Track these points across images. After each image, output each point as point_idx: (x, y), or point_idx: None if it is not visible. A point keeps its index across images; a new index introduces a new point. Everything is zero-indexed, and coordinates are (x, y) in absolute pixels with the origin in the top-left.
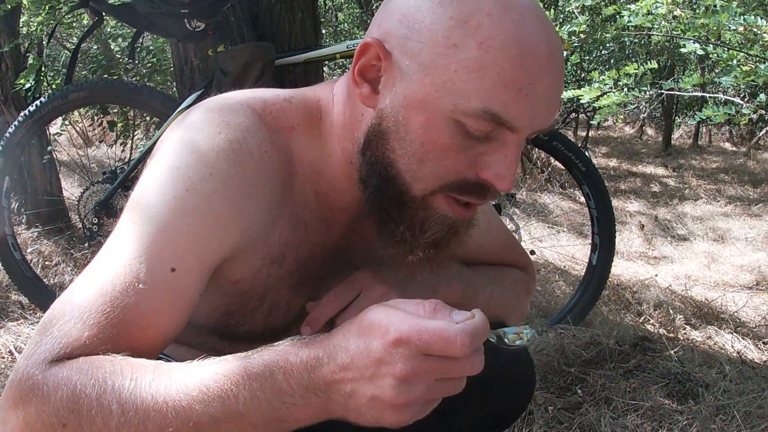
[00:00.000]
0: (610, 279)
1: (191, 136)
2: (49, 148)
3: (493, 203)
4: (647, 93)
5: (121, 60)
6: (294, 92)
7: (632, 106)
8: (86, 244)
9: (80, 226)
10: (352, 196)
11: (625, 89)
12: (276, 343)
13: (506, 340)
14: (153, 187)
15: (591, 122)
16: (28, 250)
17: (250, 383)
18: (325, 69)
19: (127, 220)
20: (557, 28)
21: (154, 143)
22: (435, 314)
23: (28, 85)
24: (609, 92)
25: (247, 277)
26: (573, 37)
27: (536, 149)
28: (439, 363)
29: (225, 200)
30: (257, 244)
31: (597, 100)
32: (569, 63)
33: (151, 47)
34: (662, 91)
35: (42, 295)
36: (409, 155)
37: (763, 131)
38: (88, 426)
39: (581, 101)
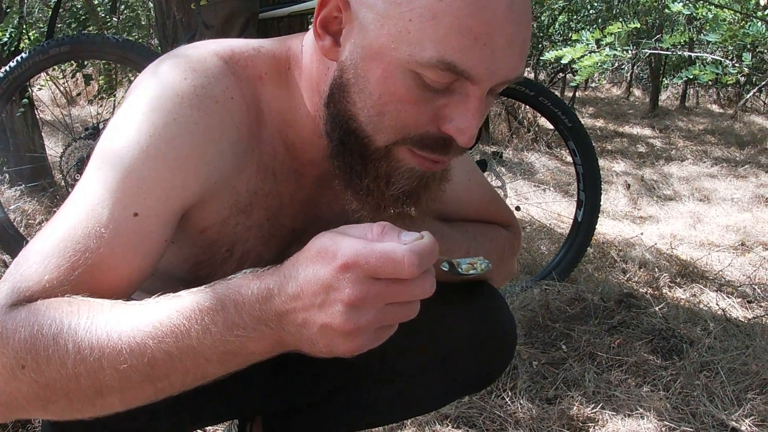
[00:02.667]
0: (595, 238)
1: (157, 82)
2: (24, 100)
3: (478, 160)
4: (629, 53)
5: (102, 15)
6: (264, 42)
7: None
8: None
9: (63, 183)
10: (319, 149)
11: (607, 49)
12: (228, 277)
13: (460, 270)
14: (117, 134)
15: (570, 84)
16: (11, 208)
17: (202, 317)
18: (310, 23)
19: (93, 167)
20: None
21: None
22: (383, 236)
23: (5, 39)
24: (591, 52)
25: (213, 226)
26: None
27: (523, 107)
28: (389, 286)
29: (188, 145)
30: (223, 191)
31: (579, 61)
32: (557, 23)
33: (131, 1)
34: (644, 50)
35: None
36: (369, 107)
37: (751, 93)
38: (46, 365)
39: (563, 62)
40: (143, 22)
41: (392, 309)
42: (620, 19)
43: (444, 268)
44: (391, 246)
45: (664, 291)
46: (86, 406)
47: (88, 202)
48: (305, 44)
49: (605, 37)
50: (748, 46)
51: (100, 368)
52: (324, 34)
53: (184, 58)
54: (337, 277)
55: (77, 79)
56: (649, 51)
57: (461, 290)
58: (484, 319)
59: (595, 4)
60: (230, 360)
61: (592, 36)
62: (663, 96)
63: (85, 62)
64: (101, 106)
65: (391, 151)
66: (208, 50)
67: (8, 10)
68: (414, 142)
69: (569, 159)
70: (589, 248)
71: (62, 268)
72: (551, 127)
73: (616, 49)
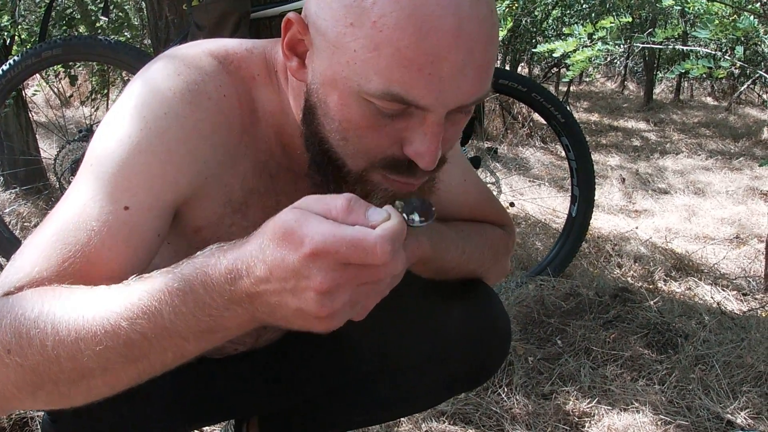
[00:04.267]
0: (590, 232)
1: (149, 79)
2: (8, 100)
3: (472, 156)
4: (621, 47)
5: (94, 17)
6: (255, 43)
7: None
8: None
9: (58, 185)
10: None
11: (599, 43)
12: (196, 254)
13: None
14: (109, 130)
15: (564, 79)
16: (6, 211)
17: (172, 299)
18: None
19: (85, 163)
20: None
21: None
22: (349, 215)
23: None
24: (583, 47)
25: (209, 226)
26: None
27: (517, 103)
28: (360, 270)
29: (179, 139)
30: (216, 188)
31: (572, 54)
32: (551, 17)
33: (122, 3)
34: (636, 44)
35: None
36: (334, 132)
37: (745, 86)
38: (28, 347)
39: (555, 56)
40: (135, 23)
41: (365, 288)
42: (613, 14)
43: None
44: (361, 233)
45: (659, 285)
46: (73, 390)
47: (80, 197)
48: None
49: (597, 31)
50: (741, 39)
51: (78, 350)
52: (291, 55)
53: (178, 56)
54: (307, 265)
55: (66, 79)
56: (641, 45)
57: (455, 288)
58: (478, 316)
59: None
60: (207, 337)
61: (585, 30)
62: (657, 89)
63: (75, 64)
64: (95, 108)
65: (364, 177)
66: (202, 49)
67: (1, 13)
68: (383, 166)
69: (563, 154)
70: (583, 243)
71: (53, 259)
72: (545, 122)
73: (608, 44)
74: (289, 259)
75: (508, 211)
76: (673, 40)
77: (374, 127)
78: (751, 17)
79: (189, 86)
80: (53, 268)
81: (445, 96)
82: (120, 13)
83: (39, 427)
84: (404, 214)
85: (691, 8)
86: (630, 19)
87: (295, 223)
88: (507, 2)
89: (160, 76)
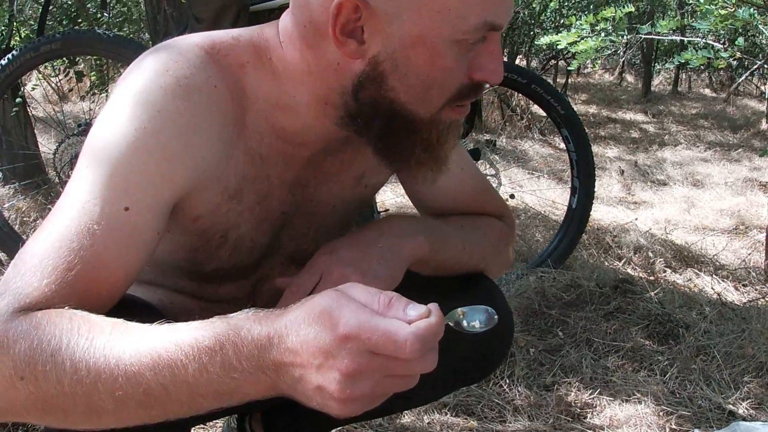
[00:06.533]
0: (590, 224)
1: (140, 76)
2: (17, 100)
3: (471, 148)
4: (624, 37)
5: (92, 11)
6: (241, 31)
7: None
8: None
9: (57, 180)
10: (319, 132)
11: (602, 34)
12: (230, 315)
13: (464, 324)
14: (103, 130)
15: (569, 69)
16: (5, 206)
17: (200, 356)
18: None
19: (81, 164)
20: None
21: None
22: (389, 309)
23: None
24: (586, 37)
25: (206, 214)
26: None
27: (516, 94)
28: (387, 362)
29: (174, 136)
30: (212, 179)
31: (574, 46)
32: (548, 9)
33: None
34: (639, 35)
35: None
36: (414, 87)
37: (743, 77)
38: (43, 380)
39: (558, 47)
40: (134, 17)
41: (389, 380)
42: (612, 5)
43: (449, 324)
44: (394, 327)
45: (659, 276)
46: (82, 421)
47: (79, 200)
48: (284, 38)
49: (599, 22)
50: (740, 30)
51: (95, 391)
52: (345, 38)
53: (166, 51)
54: (338, 346)
55: (70, 75)
56: (644, 36)
57: (457, 283)
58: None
59: None
60: (225, 398)
61: (586, 21)
62: (655, 81)
63: (77, 59)
64: (93, 101)
65: (435, 119)
66: (188, 42)
67: None
68: (453, 99)
69: (563, 146)
70: (583, 235)
71: (59, 269)
72: (544, 114)
73: (610, 34)
74: (321, 337)
75: (508, 203)
76: (672, 31)
77: (458, 65)
78: (751, 9)
79: (179, 81)
80: (61, 278)
81: (509, 12)
82: (122, 8)
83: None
84: (465, 321)
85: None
86: (632, 9)
87: (335, 304)
88: None
89: (150, 73)
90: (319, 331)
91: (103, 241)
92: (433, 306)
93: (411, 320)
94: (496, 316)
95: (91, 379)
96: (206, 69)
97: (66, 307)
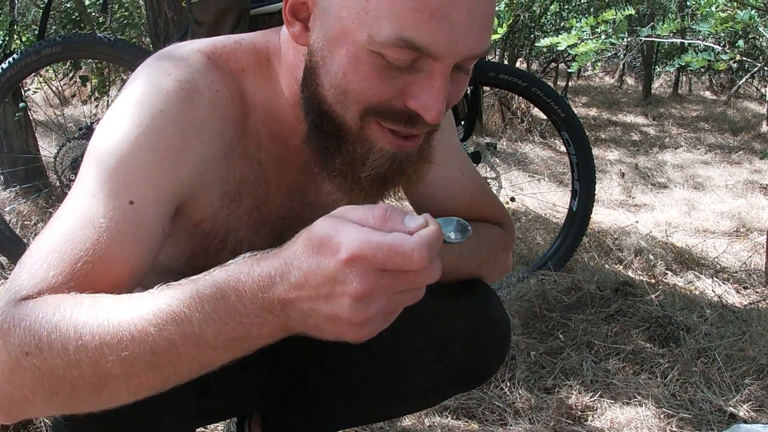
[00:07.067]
0: (590, 226)
1: (142, 82)
2: (21, 104)
3: (472, 151)
4: (624, 40)
5: (93, 14)
6: (244, 35)
7: (608, 54)
8: None
9: (58, 184)
10: (302, 135)
11: (603, 36)
12: (228, 262)
13: (450, 239)
14: (107, 131)
15: (569, 71)
16: (6, 209)
17: (203, 305)
18: None
19: (86, 163)
20: None
21: None
22: (386, 223)
23: None
24: (586, 40)
25: (208, 218)
26: None
27: (516, 97)
28: (396, 277)
29: (177, 135)
30: (214, 182)
31: (575, 48)
32: (549, 12)
33: (123, 0)
34: (640, 37)
35: (22, 255)
36: (335, 87)
37: (743, 80)
38: (48, 350)
39: (559, 49)
40: (136, 21)
41: (400, 296)
42: (612, 7)
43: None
44: (399, 239)
45: (660, 278)
46: (92, 395)
47: (83, 195)
48: (283, 35)
49: (600, 24)
50: (740, 33)
51: (102, 355)
52: (293, 20)
53: (168, 57)
54: (343, 270)
55: (74, 79)
56: (644, 39)
57: (454, 289)
58: (477, 317)
59: None
60: (236, 346)
61: (587, 23)
62: (656, 84)
63: (81, 63)
64: (95, 105)
65: (363, 131)
66: (191, 48)
67: (0, 12)
68: (378, 113)
69: (563, 148)
70: (584, 237)
71: (65, 261)
72: (545, 117)
73: (611, 37)
74: (325, 265)
75: (508, 206)
76: (672, 34)
77: (380, 79)
78: (752, 11)
79: (181, 84)
80: (67, 270)
81: (456, 42)
82: (124, 12)
83: (43, 425)
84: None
85: (693, 2)
86: (633, 12)
87: (331, 230)
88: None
89: (153, 78)
90: (321, 260)
91: (109, 234)
92: (427, 215)
93: (411, 231)
94: (469, 227)
95: (96, 342)
96: (208, 74)
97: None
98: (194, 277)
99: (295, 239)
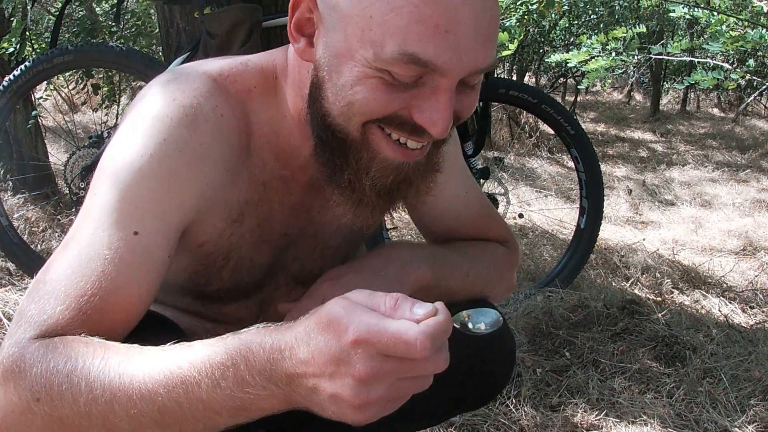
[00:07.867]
0: (597, 243)
1: (148, 106)
2: (34, 112)
3: (480, 167)
4: (635, 57)
5: (105, 23)
6: (251, 56)
7: (620, 71)
8: (73, 210)
9: (67, 191)
10: (308, 153)
11: (613, 53)
12: (241, 331)
13: (470, 326)
14: (113, 158)
15: (579, 87)
16: (15, 216)
17: (213, 372)
18: None
19: (92, 192)
20: None
21: None
22: (396, 310)
23: (11, 49)
24: (597, 56)
25: (212, 239)
26: (563, 0)
27: (524, 113)
28: (400, 364)
29: (181, 164)
30: (218, 206)
31: (585, 64)
32: (558, 27)
33: (135, 10)
34: (650, 55)
35: (29, 261)
36: (340, 99)
37: (752, 97)
38: (59, 401)
39: (569, 65)
40: (148, 31)
41: (404, 383)
42: (622, 24)
43: (456, 326)
44: (403, 327)
45: (666, 297)
46: None
47: (89, 227)
48: (290, 53)
49: (610, 41)
50: (749, 51)
51: (111, 410)
52: (299, 36)
53: (173, 81)
54: (348, 352)
55: (86, 88)
56: (654, 56)
57: (459, 307)
58: (482, 338)
59: (597, 9)
60: (240, 414)
61: (597, 40)
62: (664, 100)
63: (92, 71)
64: (106, 113)
65: (366, 138)
66: (197, 71)
67: (12, 19)
68: (383, 121)
69: (571, 164)
70: (591, 254)
71: (71, 296)
72: (553, 132)
73: (621, 54)
74: (331, 345)
75: (517, 222)
76: (683, 51)
77: (386, 92)
78: (763, 30)
79: (186, 110)
80: (75, 304)
81: (461, 57)
82: (136, 22)
83: None
84: (470, 323)
85: (702, 20)
86: (644, 30)
87: (342, 311)
88: (518, 16)
89: (158, 103)
90: (329, 339)
91: (114, 266)
92: (439, 304)
93: (419, 319)
94: (501, 318)
95: (106, 398)
96: (213, 98)
97: (82, 334)
98: (207, 340)
99: (308, 315)
